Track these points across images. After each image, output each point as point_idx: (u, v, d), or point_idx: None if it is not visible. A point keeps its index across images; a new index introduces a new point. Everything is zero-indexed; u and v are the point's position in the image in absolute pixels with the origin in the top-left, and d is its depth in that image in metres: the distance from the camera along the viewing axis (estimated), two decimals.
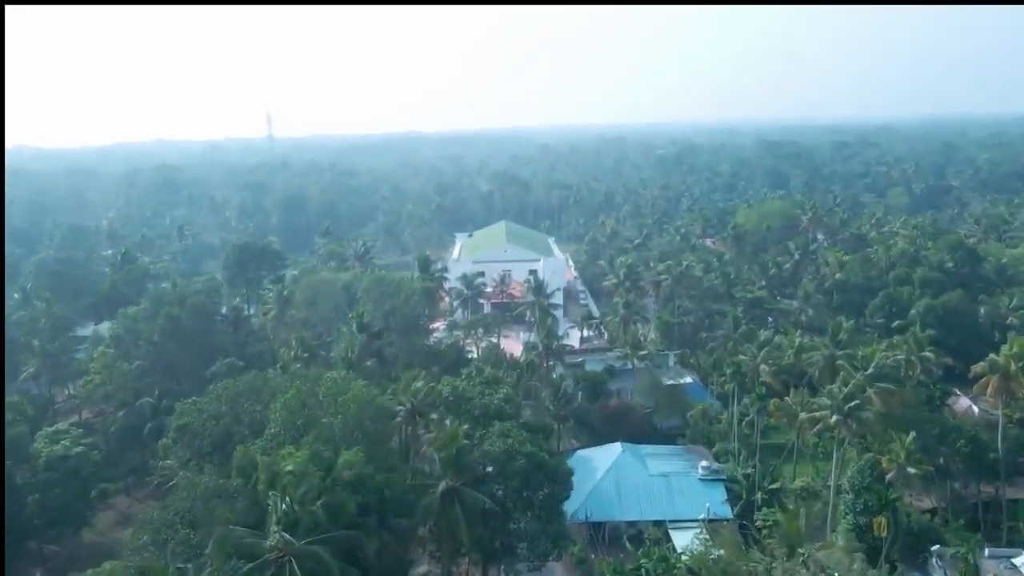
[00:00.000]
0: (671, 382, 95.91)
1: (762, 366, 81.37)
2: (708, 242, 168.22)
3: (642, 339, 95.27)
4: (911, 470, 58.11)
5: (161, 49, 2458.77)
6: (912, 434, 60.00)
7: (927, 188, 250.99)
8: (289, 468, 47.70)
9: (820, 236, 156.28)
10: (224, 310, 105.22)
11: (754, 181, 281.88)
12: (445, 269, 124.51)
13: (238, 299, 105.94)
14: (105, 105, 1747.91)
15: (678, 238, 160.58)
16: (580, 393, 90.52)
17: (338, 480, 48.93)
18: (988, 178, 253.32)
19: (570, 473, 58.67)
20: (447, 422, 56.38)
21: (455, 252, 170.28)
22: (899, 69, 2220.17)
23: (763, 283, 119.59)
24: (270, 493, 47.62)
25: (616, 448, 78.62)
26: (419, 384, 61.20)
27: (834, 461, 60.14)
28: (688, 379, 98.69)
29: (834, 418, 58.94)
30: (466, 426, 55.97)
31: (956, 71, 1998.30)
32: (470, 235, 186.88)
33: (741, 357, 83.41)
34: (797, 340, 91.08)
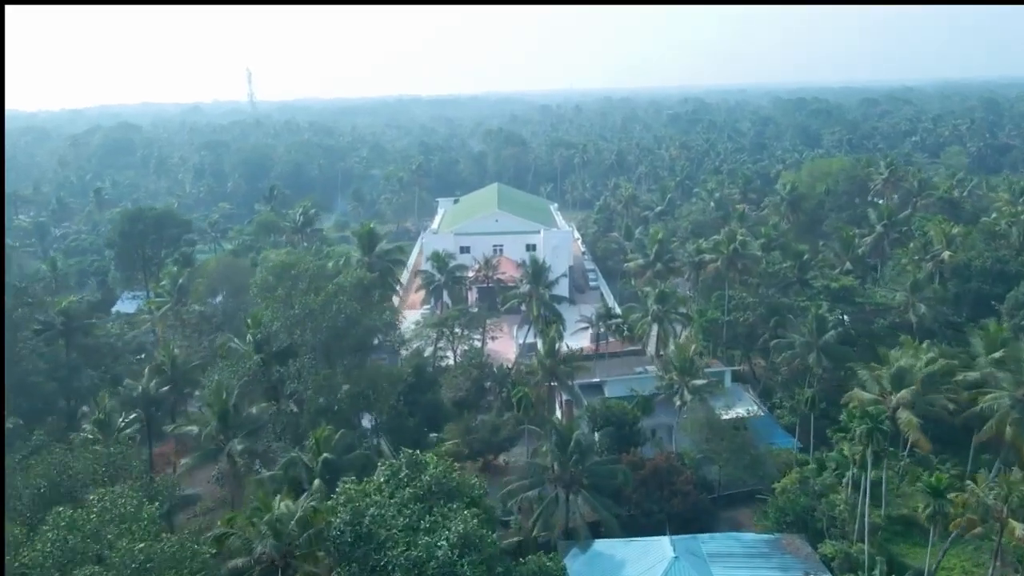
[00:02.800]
0: (732, 415, 64.71)
1: (902, 411, 49.92)
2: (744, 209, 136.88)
3: (696, 357, 62.91)
4: None
5: (152, 9, 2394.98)
6: None
7: (985, 147, 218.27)
8: None
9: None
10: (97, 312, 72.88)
11: (783, 140, 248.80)
12: (399, 250, 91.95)
13: (84, 295, 73.59)
14: (93, 69, 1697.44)
15: (712, 204, 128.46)
16: (598, 437, 59.59)
17: None
18: None
19: None
20: None
21: (436, 222, 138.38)
22: (900, 33, 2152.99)
23: (848, 266, 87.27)
24: None
25: (664, 549, 47.64)
26: (285, 507, 29.47)
27: None
28: (759, 411, 67.52)
29: None
30: None
31: (969, 34, 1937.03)
32: (456, 200, 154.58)
33: (864, 394, 51.93)
34: (924, 357, 59.99)
